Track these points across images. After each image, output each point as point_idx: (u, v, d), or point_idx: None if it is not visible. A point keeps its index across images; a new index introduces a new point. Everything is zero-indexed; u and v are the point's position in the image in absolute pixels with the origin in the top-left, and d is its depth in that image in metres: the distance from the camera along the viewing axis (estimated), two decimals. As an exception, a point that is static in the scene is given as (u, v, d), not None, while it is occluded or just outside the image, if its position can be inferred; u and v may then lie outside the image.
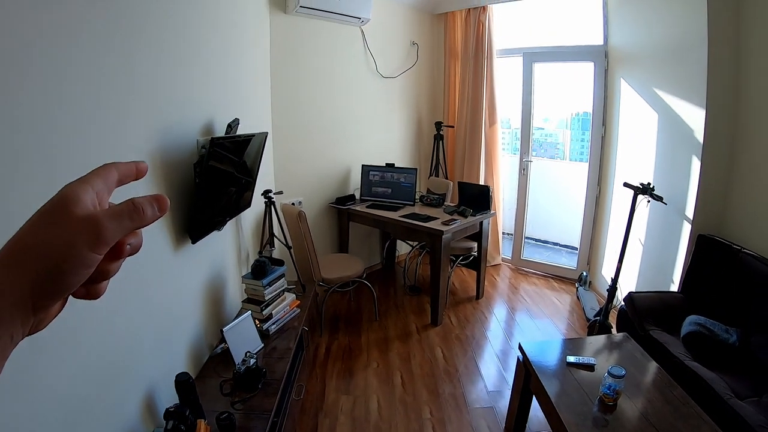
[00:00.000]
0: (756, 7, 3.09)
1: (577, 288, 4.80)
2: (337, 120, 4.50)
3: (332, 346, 3.61)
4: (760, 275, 2.92)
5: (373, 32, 4.65)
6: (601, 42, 4.59)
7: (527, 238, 5.68)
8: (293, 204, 4.03)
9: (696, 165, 3.38)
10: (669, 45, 3.66)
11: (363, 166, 4.63)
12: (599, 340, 2.83)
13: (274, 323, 2.73)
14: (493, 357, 3.56)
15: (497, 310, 4.38)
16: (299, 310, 2.97)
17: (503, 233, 5.73)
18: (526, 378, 2.50)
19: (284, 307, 2.86)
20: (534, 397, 2.46)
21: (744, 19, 3.21)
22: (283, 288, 2.87)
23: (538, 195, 5.90)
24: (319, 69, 4.24)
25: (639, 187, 3.39)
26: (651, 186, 3.36)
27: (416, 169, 4.58)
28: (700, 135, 3.33)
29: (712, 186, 3.40)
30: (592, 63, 4.66)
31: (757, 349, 2.80)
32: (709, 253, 3.33)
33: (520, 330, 4.03)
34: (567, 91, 6.10)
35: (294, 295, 3.04)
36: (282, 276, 2.84)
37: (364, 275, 3.91)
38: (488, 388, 3.14)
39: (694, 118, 3.38)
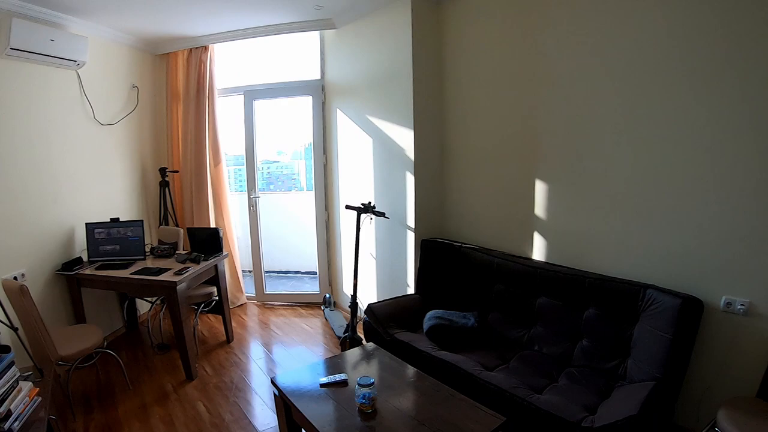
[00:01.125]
0: (452, 41, 4.19)
1: (323, 310, 5.39)
2: (53, 176, 4.22)
3: (89, 428, 3.39)
4: (481, 263, 3.84)
5: (91, 76, 4.55)
6: (318, 76, 5.31)
7: (268, 271, 6.10)
8: (15, 278, 3.69)
9: (410, 179, 4.22)
10: (379, 76, 4.47)
11: (87, 224, 4.40)
12: (351, 354, 3.16)
13: (15, 420, 2.53)
14: (256, 397, 3.77)
15: (251, 350, 4.66)
16: (40, 398, 2.81)
17: (244, 271, 6.05)
18: (287, 411, 2.67)
19: (23, 398, 2.67)
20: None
21: (444, 51, 4.27)
22: (16, 377, 2.68)
23: (276, 228, 6.40)
24: (31, 119, 3.97)
25: (361, 207, 4.03)
26: (372, 204, 4.03)
27: (142, 220, 4.57)
28: (410, 153, 4.18)
29: (427, 195, 4.31)
30: (311, 96, 5.35)
31: (494, 324, 3.65)
32: (434, 254, 4.15)
33: (277, 363, 4.37)
34: (298, 124, 6.73)
35: (31, 383, 2.86)
36: (11, 364, 2.64)
37: (105, 343, 3.80)
38: (258, 429, 3.32)
39: (405, 138, 4.23)
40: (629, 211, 3.17)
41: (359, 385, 2.38)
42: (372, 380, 2.40)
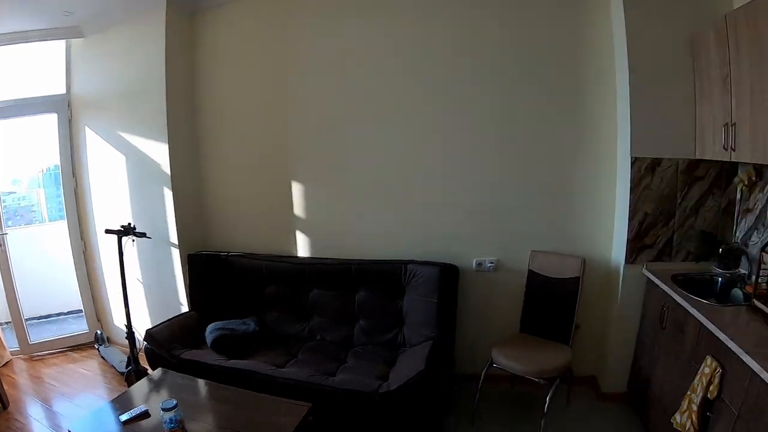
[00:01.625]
0: (207, 52, 4.27)
1: (98, 349, 5.05)
2: None
3: None
4: (250, 269, 4.07)
5: None
6: (64, 90, 4.86)
7: (28, 319, 5.40)
8: None
9: (169, 195, 4.22)
10: (131, 88, 4.35)
11: None
12: (141, 386, 3.10)
13: None
14: (55, 462, 3.44)
15: (32, 411, 4.16)
16: None
17: (2, 324, 5.33)
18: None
19: None
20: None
21: (199, 62, 4.31)
22: None
23: (27, 269, 5.67)
24: None
25: (121, 230, 3.88)
26: (132, 225, 3.91)
27: None
28: (166, 167, 4.17)
29: (188, 209, 4.36)
30: (56, 114, 4.89)
31: (273, 324, 3.91)
32: (203, 267, 4.23)
33: (64, 417, 4.00)
34: (35, 146, 5.98)
35: None
36: None
37: None
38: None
39: (160, 152, 4.20)
40: (382, 202, 3.79)
41: (163, 410, 2.37)
42: (175, 402, 2.40)
